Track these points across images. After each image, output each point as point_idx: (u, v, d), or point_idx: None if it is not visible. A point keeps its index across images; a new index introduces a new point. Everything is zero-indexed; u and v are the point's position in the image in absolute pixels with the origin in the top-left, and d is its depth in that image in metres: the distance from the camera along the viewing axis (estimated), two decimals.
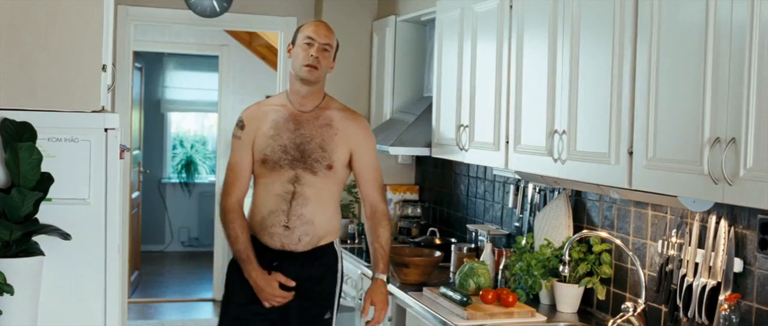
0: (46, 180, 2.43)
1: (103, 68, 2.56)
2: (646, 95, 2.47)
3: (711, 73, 2.20)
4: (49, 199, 2.45)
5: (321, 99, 3.25)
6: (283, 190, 3.14)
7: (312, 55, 3.11)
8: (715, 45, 2.19)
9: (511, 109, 3.34)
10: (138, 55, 7.40)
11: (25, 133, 2.41)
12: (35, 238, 2.43)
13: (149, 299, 7.81)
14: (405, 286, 3.75)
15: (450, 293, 3.36)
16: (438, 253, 3.98)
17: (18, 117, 2.44)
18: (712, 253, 2.64)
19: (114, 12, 3.30)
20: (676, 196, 2.58)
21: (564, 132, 2.92)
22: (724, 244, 2.60)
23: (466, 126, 3.76)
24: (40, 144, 2.43)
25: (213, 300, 7.75)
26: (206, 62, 9.57)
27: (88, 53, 2.53)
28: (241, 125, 3.24)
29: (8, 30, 2.48)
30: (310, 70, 3.12)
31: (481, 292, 3.40)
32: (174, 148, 10.35)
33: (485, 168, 4.27)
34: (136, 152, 7.39)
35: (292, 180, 3.13)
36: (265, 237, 3.18)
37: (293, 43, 3.22)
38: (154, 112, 9.88)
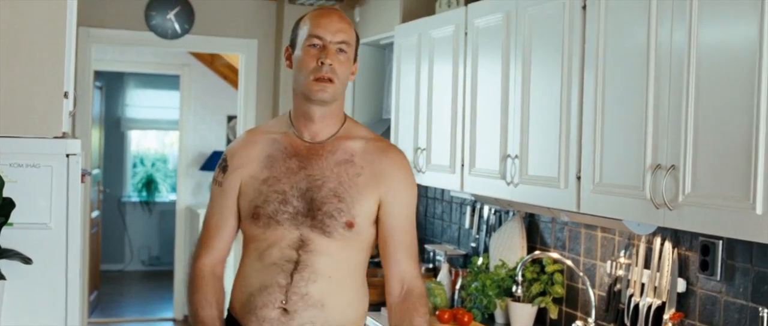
0: (8, 205, 2.46)
1: (65, 95, 2.61)
2: (593, 122, 2.58)
3: (652, 101, 2.31)
4: (11, 224, 2.49)
5: (340, 124, 2.28)
6: (281, 258, 2.21)
7: (323, 63, 2.16)
8: (656, 71, 2.30)
9: (467, 133, 3.44)
10: (98, 74, 7.40)
11: None
12: None
13: (109, 319, 7.78)
14: None
15: None
16: None
17: None
18: (658, 274, 2.74)
19: (75, 34, 3.34)
20: (621, 220, 2.69)
21: (516, 156, 3.02)
22: (668, 265, 2.70)
23: (424, 149, 3.85)
24: (2, 169, 2.47)
25: (173, 320, 7.73)
26: (167, 80, 9.59)
27: (50, 80, 2.57)
28: (223, 166, 2.31)
29: None
30: (322, 86, 2.17)
31: (437, 312, 3.48)
32: (134, 166, 10.32)
33: (442, 189, 4.36)
34: (95, 171, 7.37)
35: (295, 245, 2.20)
36: (252, 323, 2.23)
37: (292, 45, 2.27)
38: (114, 130, 9.86)
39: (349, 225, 2.19)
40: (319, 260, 2.19)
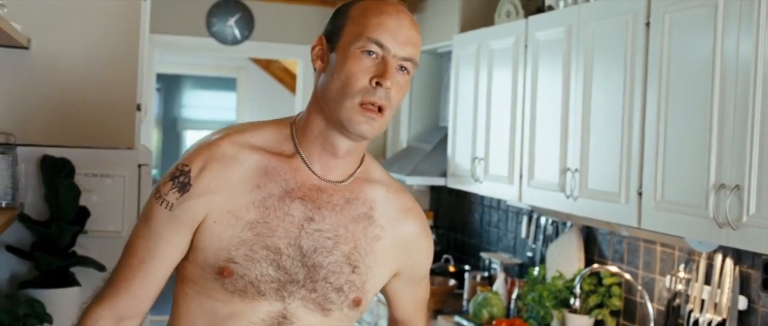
0: (83, 214, 2.56)
1: (138, 107, 2.70)
2: (655, 138, 2.59)
3: (717, 118, 2.32)
4: (86, 232, 2.58)
5: (360, 161, 1.66)
6: None
7: (380, 84, 1.51)
8: (721, 87, 2.30)
9: (526, 145, 3.46)
10: (157, 76, 7.55)
11: (64, 169, 2.55)
12: (72, 269, 2.55)
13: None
14: None
15: (464, 322, 3.47)
16: (452, 281, 4.09)
17: (57, 153, 2.57)
18: (718, 290, 2.74)
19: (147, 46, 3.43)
20: (682, 237, 2.69)
21: (576, 170, 3.03)
22: (729, 282, 2.70)
23: (482, 158, 3.88)
24: (78, 179, 2.56)
25: None
26: (223, 82, 9.75)
27: (124, 93, 2.67)
28: (181, 181, 1.55)
29: (49, 71, 2.62)
30: (369, 118, 1.52)
31: (494, 322, 3.51)
32: None
33: (499, 198, 4.39)
34: (154, 171, 7.53)
35: (270, 322, 1.57)
36: None
37: (330, 38, 1.58)
38: (171, 131, 10.05)
39: (357, 303, 1.62)
40: None
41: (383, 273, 1.67)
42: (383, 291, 1.75)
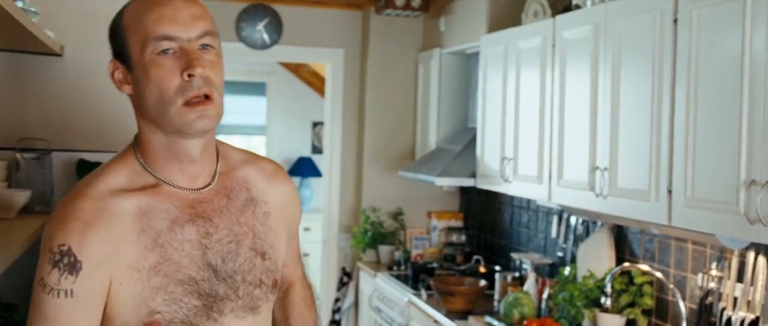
0: None
1: None
2: (684, 135, 2.57)
3: (746, 114, 2.30)
4: None
5: (216, 151, 1.61)
6: None
7: (192, 75, 1.44)
8: (751, 83, 2.28)
9: (555, 144, 3.45)
10: None
11: None
12: None
13: None
14: (451, 314, 3.87)
15: (495, 323, 3.47)
16: (483, 282, 4.09)
17: (92, 158, 2.61)
18: (751, 288, 2.72)
19: None
20: (713, 234, 2.68)
21: (606, 168, 3.03)
22: (762, 279, 2.68)
23: (510, 158, 3.88)
24: None
25: None
26: (253, 86, 9.81)
27: None
28: (66, 263, 1.41)
29: (82, 77, 2.67)
30: (201, 110, 1.46)
31: (525, 322, 3.51)
32: None
33: (528, 198, 4.38)
34: None
35: None
36: None
37: (121, 58, 1.51)
38: None
39: (275, 285, 1.62)
40: None
41: (283, 244, 1.67)
42: None
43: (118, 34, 1.50)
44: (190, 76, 1.43)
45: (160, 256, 1.46)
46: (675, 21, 2.64)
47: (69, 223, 1.42)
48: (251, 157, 1.69)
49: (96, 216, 1.43)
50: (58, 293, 1.40)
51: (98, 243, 1.42)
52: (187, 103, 1.44)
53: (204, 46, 1.47)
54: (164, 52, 1.44)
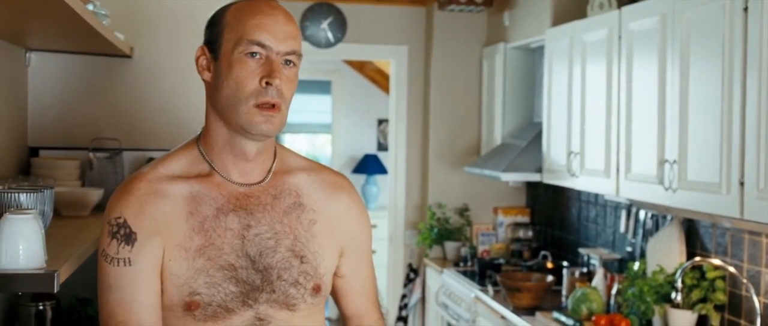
0: None
1: None
2: (756, 126, 2.51)
3: None
4: None
5: (273, 154, 1.70)
6: None
7: (269, 84, 1.55)
8: None
9: (622, 137, 3.40)
10: None
11: None
12: None
13: None
14: (518, 310, 3.84)
15: (563, 318, 3.44)
16: (550, 278, 4.06)
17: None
18: None
19: None
20: None
21: (675, 161, 2.97)
22: None
23: (577, 153, 3.83)
24: None
25: (328, 319, 7.97)
26: (318, 85, 9.89)
27: None
28: (122, 234, 1.55)
29: (151, 78, 2.74)
30: (267, 117, 1.56)
31: (593, 318, 3.47)
32: None
33: (596, 193, 4.33)
34: None
35: None
36: None
37: (211, 46, 1.61)
38: None
39: (317, 291, 1.66)
40: None
41: (331, 254, 1.70)
42: (331, 289, 1.76)
43: (216, 26, 1.61)
44: (267, 84, 1.54)
45: (205, 240, 1.57)
46: (745, 9, 2.58)
47: (125, 199, 1.56)
48: (314, 166, 1.76)
49: (149, 196, 1.56)
50: (118, 262, 1.53)
51: (150, 218, 1.55)
52: (257, 106, 1.54)
53: (287, 62, 1.58)
54: (252, 54, 1.55)
